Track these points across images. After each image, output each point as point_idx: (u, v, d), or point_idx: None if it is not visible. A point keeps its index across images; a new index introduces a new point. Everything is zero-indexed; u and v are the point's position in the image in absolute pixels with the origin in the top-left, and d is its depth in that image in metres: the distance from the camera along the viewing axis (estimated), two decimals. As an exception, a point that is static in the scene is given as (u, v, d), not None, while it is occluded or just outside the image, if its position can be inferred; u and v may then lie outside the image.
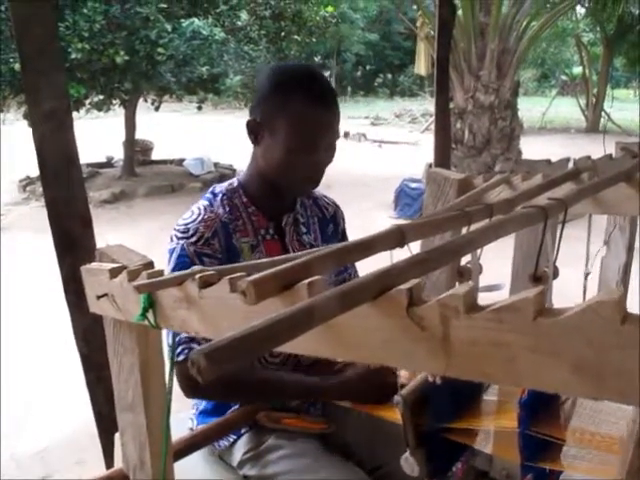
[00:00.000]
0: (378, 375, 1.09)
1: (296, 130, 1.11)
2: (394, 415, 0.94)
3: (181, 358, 1.08)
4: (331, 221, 1.36)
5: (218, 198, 1.20)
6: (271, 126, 1.13)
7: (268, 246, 1.20)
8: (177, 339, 1.06)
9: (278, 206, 1.25)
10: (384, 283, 0.46)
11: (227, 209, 1.19)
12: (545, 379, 0.41)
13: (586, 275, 1.18)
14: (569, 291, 1.24)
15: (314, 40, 9.51)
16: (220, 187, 1.23)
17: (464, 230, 0.76)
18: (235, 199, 1.21)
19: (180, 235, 1.14)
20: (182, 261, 1.11)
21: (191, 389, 1.10)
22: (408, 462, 0.85)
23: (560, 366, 0.40)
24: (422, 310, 0.44)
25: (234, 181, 1.25)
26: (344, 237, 1.39)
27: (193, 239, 1.12)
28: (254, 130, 1.16)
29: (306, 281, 0.50)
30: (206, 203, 1.19)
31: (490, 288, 0.88)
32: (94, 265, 0.79)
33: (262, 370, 1.18)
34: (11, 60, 6.05)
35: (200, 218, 1.15)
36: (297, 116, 1.11)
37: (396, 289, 0.46)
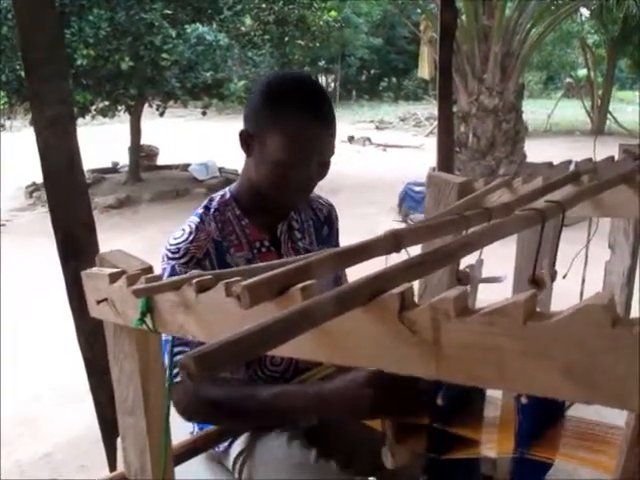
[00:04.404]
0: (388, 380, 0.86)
1: (287, 145, 1.07)
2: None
3: (177, 379, 1.03)
4: (325, 223, 1.34)
5: (210, 213, 1.18)
6: (262, 138, 1.09)
7: (264, 258, 1.18)
8: (174, 360, 0.98)
9: (271, 217, 1.22)
10: (376, 287, 0.47)
11: (219, 225, 1.16)
12: (536, 383, 0.41)
13: (583, 280, 1.17)
14: (573, 293, 1.24)
15: (318, 45, 9.54)
16: (215, 200, 1.21)
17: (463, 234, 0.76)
18: (227, 212, 1.19)
19: (171, 255, 1.11)
20: None
21: (182, 411, 1.05)
22: (386, 455, 0.88)
23: (551, 370, 0.40)
24: (413, 314, 0.45)
25: (226, 192, 1.22)
26: (337, 236, 1.39)
27: (184, 260, 1.10)
28: (246, 141, 1.13)
29: (300, 285, 0.50)
30: (197, 220, 1.16)
31: (490, 280, 0.89)
32: (94, 270, 0.80)
33: (252, 385, 1.11)
34: (18, 67, 6.10)
35: (192, 238, 1.12)
36: (288, 130, 1.06)
37: (388, 293, 0.46)
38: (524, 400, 0.78)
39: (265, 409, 1.01)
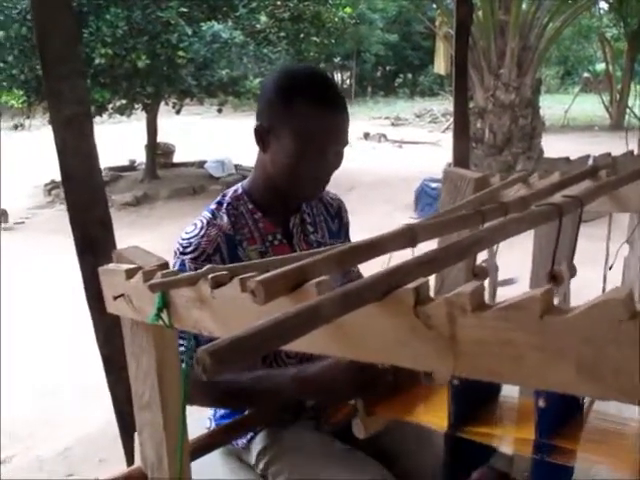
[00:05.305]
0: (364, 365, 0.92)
1: (302, 137, 1.09)
2: (435, 422, 0.91)
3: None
4: (336, 217, 1.36)
5: (223, 208, 1.19)
6: (277, 132, 1.12)
7: (277, 251, 1.19)
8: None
9: (284, 210, 1.24)
10: (391, 282, 0.46)
11: (232, 219, 1.18)
12: (551, 378, 0.41)
13: (605, 277, 1.16)
14: (591, 290, 1.22)
15: (333, 41, 9.52)
16: (228, 195, 1.22)
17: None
18: (240, 207, 1.20)
19: (182, 250, 1.13)
20: None
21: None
22: (358, 426, 0.95)
23: (566, 365, 0.40)
24: (429, 309, 0.44)
25: (238, 188, 1.24)
26: (347, 229, 1.40)
27: (194, 255, 1.12)
28: (262, 136, 1.15)
29: (314, 280, 0.50)
30: (209, 216, 1.18)
31: (504, 282, 0.88)
32: (111, 266, 0.80)
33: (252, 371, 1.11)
34: (37, 67, 6.17)
35: (203, 233, 1.14)
36: (303, 122, 1.09)
37: (403, 288, 0.46)
38: (542, 404, 0.77)
39: (248, 392, 1.08)
